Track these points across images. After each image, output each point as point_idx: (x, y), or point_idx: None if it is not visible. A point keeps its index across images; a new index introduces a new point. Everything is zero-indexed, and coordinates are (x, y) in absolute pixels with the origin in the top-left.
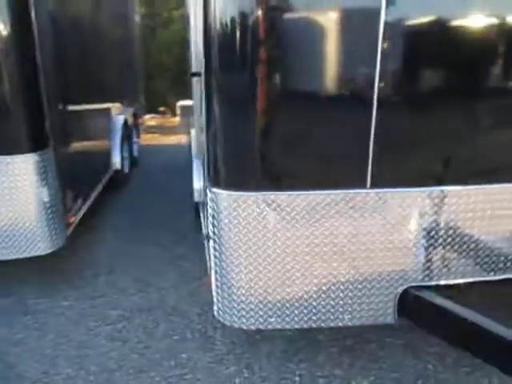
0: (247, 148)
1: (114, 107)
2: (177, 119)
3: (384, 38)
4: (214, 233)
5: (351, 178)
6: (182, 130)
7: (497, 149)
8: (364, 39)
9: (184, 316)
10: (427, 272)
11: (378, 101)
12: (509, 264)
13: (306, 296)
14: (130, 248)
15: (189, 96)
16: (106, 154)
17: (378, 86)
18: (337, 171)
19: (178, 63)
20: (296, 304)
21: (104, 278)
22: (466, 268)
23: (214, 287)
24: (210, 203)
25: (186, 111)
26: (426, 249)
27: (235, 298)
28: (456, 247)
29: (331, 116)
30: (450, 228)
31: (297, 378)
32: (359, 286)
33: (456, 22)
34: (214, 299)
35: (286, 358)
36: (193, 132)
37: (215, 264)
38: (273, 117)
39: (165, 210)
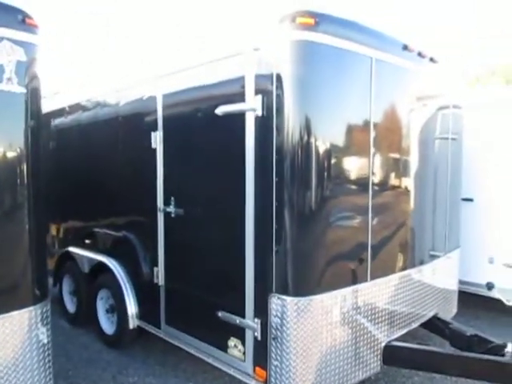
0: (317, 259)
1: None
2: None
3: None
4: (281, 332)
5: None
6: None
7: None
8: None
9: None
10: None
11: None
12: (413, 319)
13: (346, 363)
14: None
15: None
16: None
17: None
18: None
19: None
20: (338, 370)
21: None
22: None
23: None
24: (278, 308)
25: None
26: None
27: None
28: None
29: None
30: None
31: None
32: (366, 348)
33: None
34: None
35: None
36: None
37: (279, 357)
38: (334, 231)
39: None
